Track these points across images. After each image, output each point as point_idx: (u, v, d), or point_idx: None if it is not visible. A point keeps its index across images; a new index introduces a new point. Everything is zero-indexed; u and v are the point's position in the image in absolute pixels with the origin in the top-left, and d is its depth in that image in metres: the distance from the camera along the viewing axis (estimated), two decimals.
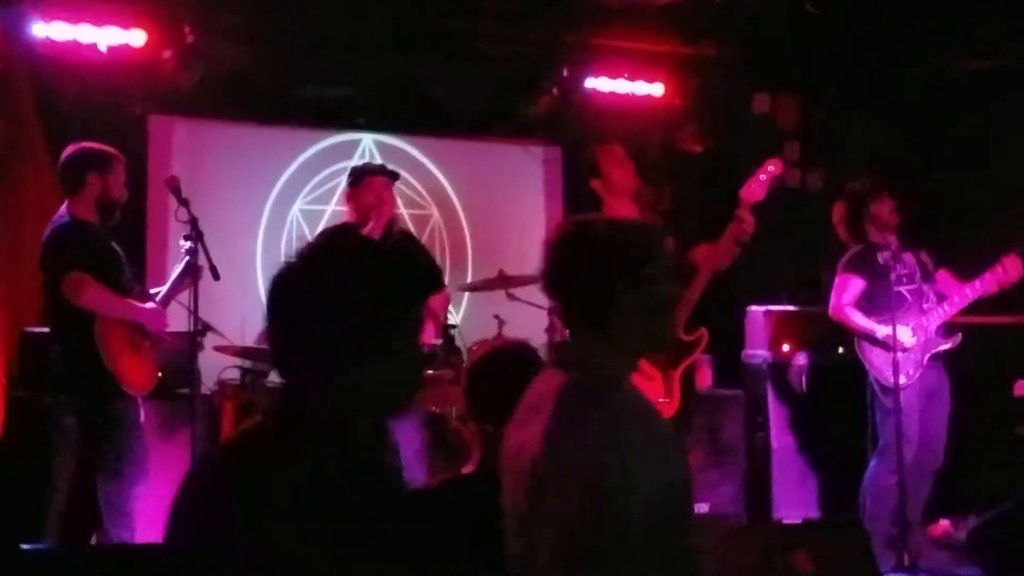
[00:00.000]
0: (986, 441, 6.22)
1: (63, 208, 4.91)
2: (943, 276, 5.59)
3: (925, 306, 5.48)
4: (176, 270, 5.16)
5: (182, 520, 1.78)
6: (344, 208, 5.98)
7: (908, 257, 5.53)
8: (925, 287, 5.55)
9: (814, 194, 7.92)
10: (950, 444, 5.67)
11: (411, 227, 7.38)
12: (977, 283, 5.47)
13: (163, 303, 5.07)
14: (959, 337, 5.56)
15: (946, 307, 5.49)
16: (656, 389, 5.17)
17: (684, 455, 2.30)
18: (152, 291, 5.14)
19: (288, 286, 1.89)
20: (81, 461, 4.92)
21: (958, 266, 5.71)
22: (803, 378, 6.45)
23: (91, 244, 4.83)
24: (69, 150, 4.99)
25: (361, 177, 5.75)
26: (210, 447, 1.86)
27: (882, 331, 5.37)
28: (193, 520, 1.77)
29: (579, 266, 2.31)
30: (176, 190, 5.00)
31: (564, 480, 2.11)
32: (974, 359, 5.95)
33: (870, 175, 5.88)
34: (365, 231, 5.27)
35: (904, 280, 5.50)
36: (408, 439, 6.01)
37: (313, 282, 1.86)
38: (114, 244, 4.99)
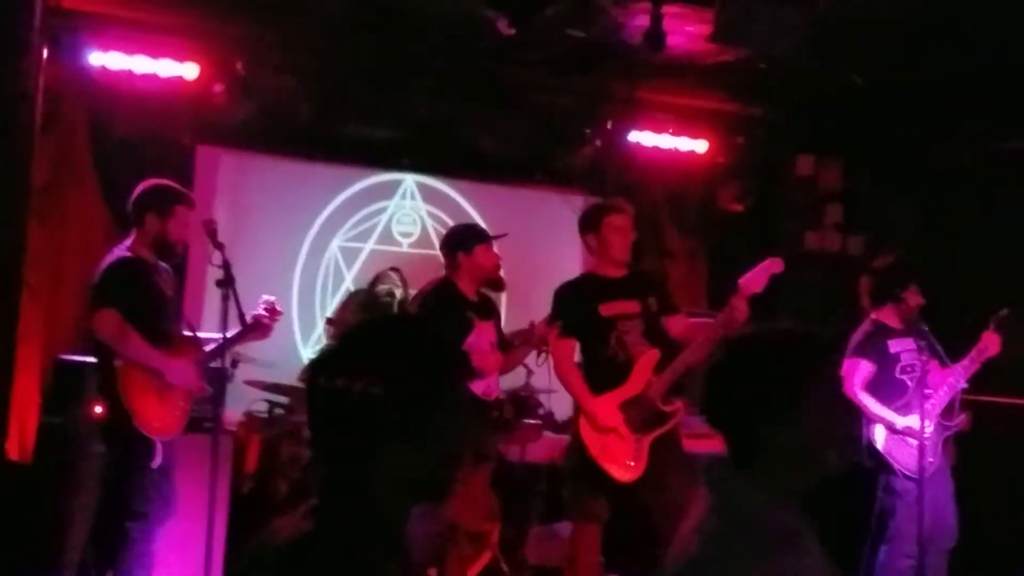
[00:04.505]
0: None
1: (127, 240, 4.93)
2: (932, 365, 5.49)
3: (927, 391, 5.38)
4: (237, 328, 4.91)
5: None
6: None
7: (915, 343, 5.45)
8: (926, 374, 5.45)
9: (854, 259, 7.87)
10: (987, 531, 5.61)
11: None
12: (961, 366, 5.40)
13: (211, 355, 4.98)
14: (964, 418, 5.50)
15: (942, 393, 5.43)
16: (626, 450, 5.16)
17: None
18: (206, 338, 5.06)
19: (336, 366, 1.85)
20: (105, 494, 4.88)
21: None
22: None
23: (135, 283, 4.79)
24: (140, 186, 4.99)
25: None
26: (259, 537, 1.79)
27: (901, 422, 5.31)
28: None
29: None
30: (212, 233, 4.89)
31: None
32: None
33: (902, 254, 5.79)
34: None
35: (908, 369, 5.45)
36: None
37: (360, 357, 1.85)
38: (162, 287, 4.93)
